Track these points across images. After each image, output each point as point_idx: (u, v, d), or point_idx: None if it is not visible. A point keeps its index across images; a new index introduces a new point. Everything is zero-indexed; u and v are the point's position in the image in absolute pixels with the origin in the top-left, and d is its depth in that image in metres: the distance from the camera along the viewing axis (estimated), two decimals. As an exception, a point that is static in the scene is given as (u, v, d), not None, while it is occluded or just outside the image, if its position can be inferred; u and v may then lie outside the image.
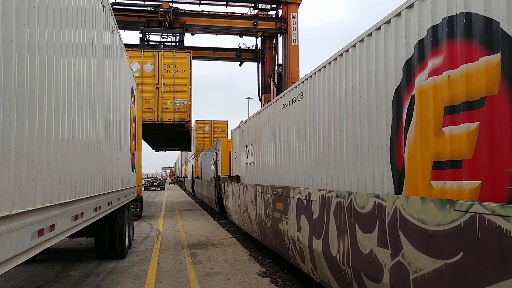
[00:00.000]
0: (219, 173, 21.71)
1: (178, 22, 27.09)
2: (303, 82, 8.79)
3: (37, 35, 3.79)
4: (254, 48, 33.91)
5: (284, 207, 8.89)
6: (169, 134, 27.48)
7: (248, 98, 70.23)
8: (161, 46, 27.33)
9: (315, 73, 8.07)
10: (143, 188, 61.55)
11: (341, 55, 6.84)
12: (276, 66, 30.61)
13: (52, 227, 4.26)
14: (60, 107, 4.60)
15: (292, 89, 9.53)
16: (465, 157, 3.99)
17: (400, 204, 4.46)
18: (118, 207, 9.66)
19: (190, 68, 23.74)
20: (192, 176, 42.20)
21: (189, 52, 24.31)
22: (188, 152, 54.51)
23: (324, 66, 7.59)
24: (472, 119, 3.92)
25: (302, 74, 31.14)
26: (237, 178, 16.18)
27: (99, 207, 6.71)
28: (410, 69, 4.90)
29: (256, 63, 33.94)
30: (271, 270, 10.32)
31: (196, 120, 43.50)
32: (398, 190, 5.01)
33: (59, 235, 4.58)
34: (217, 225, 18.79)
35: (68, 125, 4.89)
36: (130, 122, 11.83)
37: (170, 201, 37.47)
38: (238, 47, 34.02)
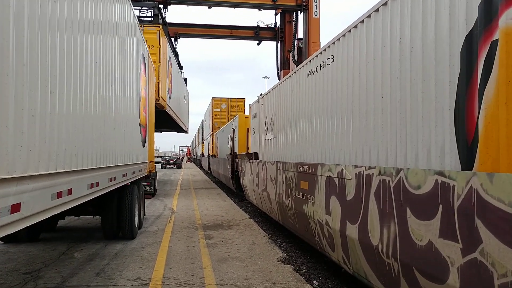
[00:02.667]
0: (236, 150, 20.73)
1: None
2: (333, 43, 7.60)
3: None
4: (273, 26, 32.47)
5: (310, 187, 7.83)
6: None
7: (266, 77, 68.96)
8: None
9: (349, 31, 6.88)
10: (159, 166, 61.53)
11: (385, 3, 5.64)
12: (296, 41, 29.17)
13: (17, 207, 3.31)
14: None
15: (320, 53, 8.34)
16: None
17: (478, 184, 3.35)
18: (123, 183, 8.73)
19: (160, 44, 22.33)
20: (209, 154, 41.43)
21: (158, 26, 22.67)
22: (205, 130, 53.73)
23: (362, 21, 6.39)
24: None
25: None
26: (255, 156, 15.16)
27: (97, 183, 5.76)
28: (490, 6, 3.71)
29: (275, 42, 32.51)
30: (293, 255, 9.35)
31: (212, 97, 42.56)
32: (467, 165, 3.89)
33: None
34: (233, 205, 17.90)
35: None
36: (140, 92, 10.84)
37: (186, 179, 36.84)
38: (256, 25, 32.63)
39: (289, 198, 9.41)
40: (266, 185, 12.21)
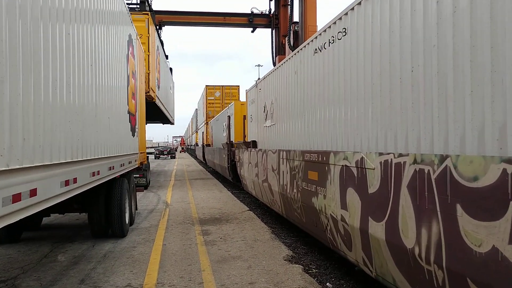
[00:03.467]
0: (232, 139, 19.81)
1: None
2: (346, 14, 6.67)
3: None
4: (267, 13, 31.34)
5: (321, 177, 6.96)
6: None
7: (258, 66, 67.70)
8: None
9: (366, -2, 5.95)
10: (152, 156, 60.35)
11: (415, -42, 4.71)
12: (291, 25, 28.09)
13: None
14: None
15: (329, 27, 7.41)
16: None
17: None
18: (110, 177, 7.81)
19: (149, 33, 21.14)
20: (203, 143, 40.46)
21: (147, 14, 21.44)
22: (198, 120, 52.65)
23: (383, -16, 5.46)
24: None
25: (321, 31, 28.63)
26: (254, 144, 14.27)
27: (74, 179, 4.83)
28: None
29: (269, 29, 31.38)
30: (300, 252, 8.51)
31: (206, 85, 41.48)
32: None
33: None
34: (231, 196, 17.04)
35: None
36: (128, 76, 9.85)
37: (180, 169, 35.91)
38: (250, 12, 31.46)
39: (295, 190, 8.54)
40: (267, 176, 11.34)
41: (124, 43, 9.52)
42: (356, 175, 5.60)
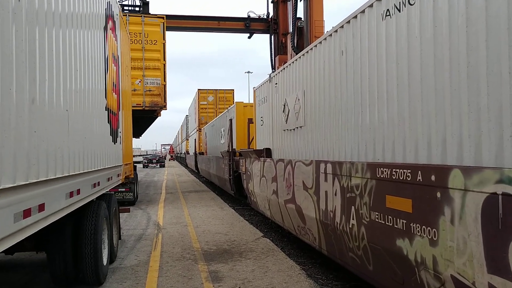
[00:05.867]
0: (235, 146, 17.01)
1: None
2: None
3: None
4: (265, 17, 28.75)
5: (422, 209, 4.20)
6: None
7: (248, 72, 65.12)
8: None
9: None
10: (141, 165, 56.89)
11: None
12: (295, 22, 25.41)
13: None
14: None
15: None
16: None
17: None
18: (72, 208, 4.96)
19: (164, 39, 18.41)
20: (195, 151, 37.51)
21: (162, 17, 18.78)
22: (189, 126, 49.73)
23: None
24: None
25: (328, 27, 26.13)
26: (267, 152, 11.48)
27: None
28: None
29: (267, 35, 28.72)
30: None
31: (198, 89, 38.76)
32: None
33: None
34: (235, 215, 14.20)
35: None
36: (106, 58, 7.03)
37: (171, 180, 32.91)
38: (247, 16, 28.79)
39: (353, 221, 5.77)
40: (293, 195, 8.56)
41: (100, 12, 6.70)
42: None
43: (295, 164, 8.47)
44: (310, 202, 7.53)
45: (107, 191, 7.69)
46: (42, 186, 3.62)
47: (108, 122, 6.94)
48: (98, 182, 6.30)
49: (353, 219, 5.77)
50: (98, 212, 6.64)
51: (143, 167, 58.23)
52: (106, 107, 6.71)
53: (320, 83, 7.68)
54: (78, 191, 4.95)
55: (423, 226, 4.19)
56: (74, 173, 4.69)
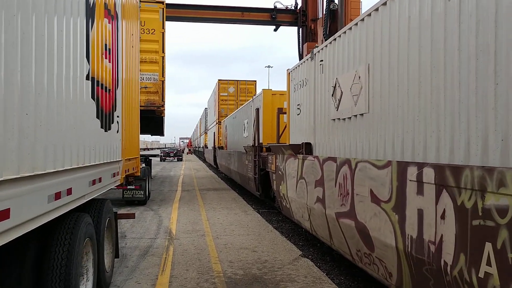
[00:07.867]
0: (261, 140, 14.70)
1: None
2: None
3: None
4: (293, 7, 26.15)
5: None
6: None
7: (269, 67, 62.63)
8: None
9: None
10: (157, 159, 54.78)
11: None
12: (328, 2, 22.81)
13: None
14: None
15: None
16: None
17: None
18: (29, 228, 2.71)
19: (164, 27, 15.75)
20: (214, 146, 35.33)
21: (161, 3, 16.00)
22: (208, 119, 47.59)
23: None
24: None
25: (365, 8, 23.45)
26: (307, 148, 9.13)
27: None
28: None
29: (295, 27, 26.11)
30: None
31: (218, 80, 36.50)
32: None
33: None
34: (261, 221, 11.90)
35: None
36: (88, 4, 4.76)
37: (188, 175, 30.81)
38: (273, 7, 26.26)
39: (488, 268, 3.39)
40: (352, 207, 6.20)
41: None
42: None
43: (356, 165, 6.10)
44: (386, 221, 5.16)
45: (96, 196, 5.47)
46: None
47: (93, 98, 4.67)
48: (71, 188, 4.05)
49: (488, 264, 3.39)
50: (75, 232, 4.42)
51: (160, 161, 56.41)
52: (88, 75, 4.45)
53: (402, 50, 5.28)
54: (7, 212, 2.69)
55: None
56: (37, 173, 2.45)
